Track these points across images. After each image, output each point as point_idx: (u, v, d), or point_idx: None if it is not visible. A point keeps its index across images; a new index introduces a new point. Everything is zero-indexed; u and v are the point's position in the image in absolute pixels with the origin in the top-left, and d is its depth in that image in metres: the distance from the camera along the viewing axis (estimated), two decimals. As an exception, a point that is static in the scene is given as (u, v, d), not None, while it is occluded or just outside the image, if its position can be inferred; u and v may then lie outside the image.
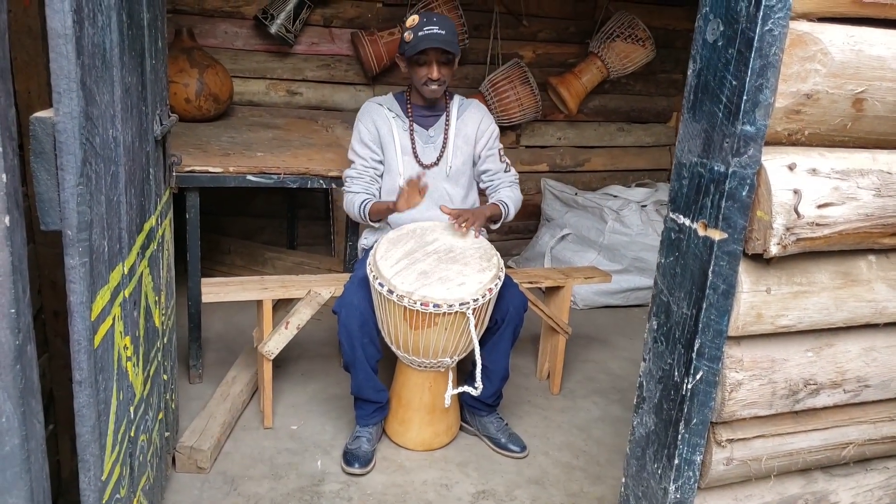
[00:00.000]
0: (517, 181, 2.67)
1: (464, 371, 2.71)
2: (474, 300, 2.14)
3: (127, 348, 1.50)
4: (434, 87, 2.43)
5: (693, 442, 1.41)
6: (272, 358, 2.51)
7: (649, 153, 5.03)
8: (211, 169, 2.66)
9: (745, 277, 1.33)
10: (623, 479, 1.61)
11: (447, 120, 2.58)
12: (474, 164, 2.66)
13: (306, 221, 4.43)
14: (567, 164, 4.82)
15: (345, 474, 2.38)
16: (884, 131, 1.31)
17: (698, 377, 1.36)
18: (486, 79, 4.29)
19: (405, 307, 2.13)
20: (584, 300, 4.00)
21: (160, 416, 1.98)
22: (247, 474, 2.35)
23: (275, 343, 2.49)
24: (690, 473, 1.43)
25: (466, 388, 2.27)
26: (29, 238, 1.71)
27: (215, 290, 2.47)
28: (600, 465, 2.58)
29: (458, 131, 2.58)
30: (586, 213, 4.16)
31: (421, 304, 2.11)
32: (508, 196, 2.58)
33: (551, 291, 3.00)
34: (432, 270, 2.20)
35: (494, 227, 2.59)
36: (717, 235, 1.28)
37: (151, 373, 1.82)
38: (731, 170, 1.24)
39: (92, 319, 1.22)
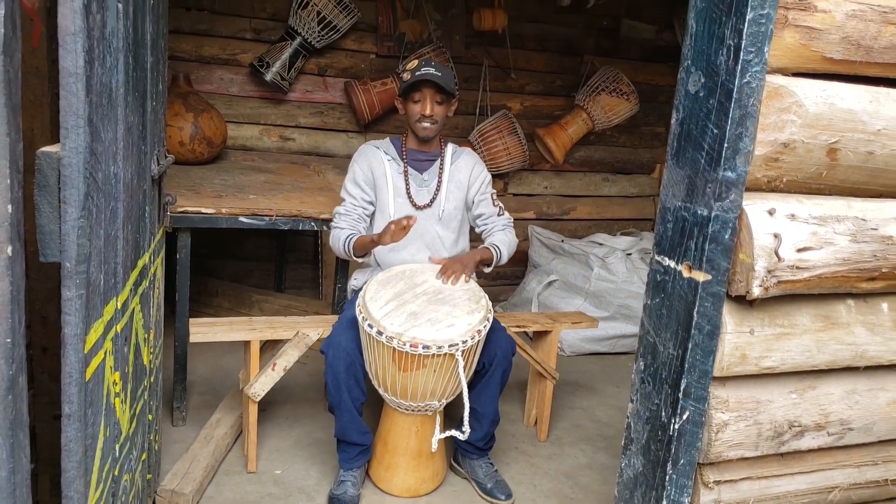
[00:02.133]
0: (511, 224, 2.72)
1: (452, 416, 2.71)
2: (463, 342, 2.15)
3: (116, 384, 1.50)
4: (427, 124, 2.49)
5: (681, 483, 1.42)
6: (258, 400, 2.49)
7: (633, 203, 5.12)
8: (204, 210, 2.68)
9: (729, 319, 1.36)
10: (611, 522, 1.61)
11: (441, 165, 2.64)
12: (468, 209, 2.71)
13: (295, 265, 4.45)
14: (553, 212, 4.89)
15: (329, 520, 2.35)
16: (857, 180, 1.36)
17: (685, 417, 1.38)
18: (475, 129, 4.39)
19: (394, 349, 2.14)
20: (571, 347, 4.02)
21: (143, 456, 1.96)
22: (229, 519, 2.31)
23: (261, 385, 2.49)
24: (678, 515, 1.44)
25: (453, 433, 2.27)
26: (22, 273, 1.72)
27: (203, 330, 2.47)
28: (587, 512, 2.57)
29: (451, 176, 2.64)
30: (573, 259, 4.21)
31: (410, 346, 2.12)
32: (501, 240, 2.63)
33: (539, 336, 3.02)
34: (421, 312, 2.22)
35: (487, 269, 2.63)
36: (701, 277, 1.32)
37: (137, 411, 1.81)
38: (713, 213, 1.29)
39: (85, 352, 1.23)
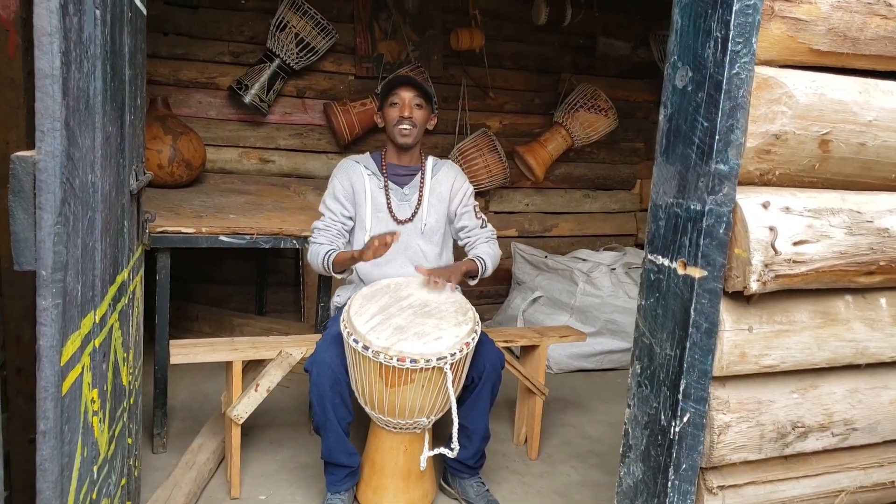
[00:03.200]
0: (494, 237, 2.69)
1: (441, 435, 2.65)
2: (451, 354, 2.11)
3: (94, 402, 1.43)
4: (405, 126, 2.47)
5: (683, 489, 1.38)
6: (241, 423, 2.42)
7: (615, 219, 5.13)
8: (183, 229, 2.63)
9: (727, 316, 1.34)
10: (611, 533, 1.56)
11: (422, 178, 2.61)
12: (450, 221, 2.68)
13: (276, 288, 4.38)
14: (535, 229, 4.88)
15: (317, 544, 2.28)
16: (850, 172, 1.36)
17: (685, 419, 1.35)
18: (455, 147, 4.38)
19: (381, 363, 2.09)
20: (559, 364, 3.98)
21: (122, 482, 1.88)
22: (213, 546, 2.23)
23: (244, 406, 2.42)
24: (681, 522, 1.40)
25: (442, 451, 2.21)
26: (-5, 291, 1.66)
27: (184, 351, 2.40)
28: (581, 529, 2.51)
29: (432, 189, 2.61)
30: (557, 275, 4.19)
31: (397, 360, 2.07)
32: (486, 252, 2.59)
33: (526, 352, 2.98)
34: (408, 325, 2.18)
35: (472, 282, 2.59)
36: (697, 273, 1.29)
37: (116, 433, 1.74)
38: (707, 207, 1.27)
39: (61, 364, 1.17)
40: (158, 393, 2.73)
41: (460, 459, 2.47)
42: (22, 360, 1.72)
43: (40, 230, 1.12)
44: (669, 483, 1.37)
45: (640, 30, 4.70)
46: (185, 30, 3.89)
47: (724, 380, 1.37)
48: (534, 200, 4.89)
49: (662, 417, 1.39)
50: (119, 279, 1.71)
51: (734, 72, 1.21)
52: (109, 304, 1.57)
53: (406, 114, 2.48)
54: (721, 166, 1.25)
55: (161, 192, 3.36)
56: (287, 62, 3.87)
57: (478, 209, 2.71)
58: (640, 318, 1.47)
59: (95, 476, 1.48)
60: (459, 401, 2.37)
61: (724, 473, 1.41)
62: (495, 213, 4.75)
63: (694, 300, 1.31)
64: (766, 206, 1.27)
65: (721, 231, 1.29)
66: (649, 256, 1.43)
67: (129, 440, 1.98)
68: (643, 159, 5.13)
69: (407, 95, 2.48)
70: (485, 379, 2.37)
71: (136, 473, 2.12)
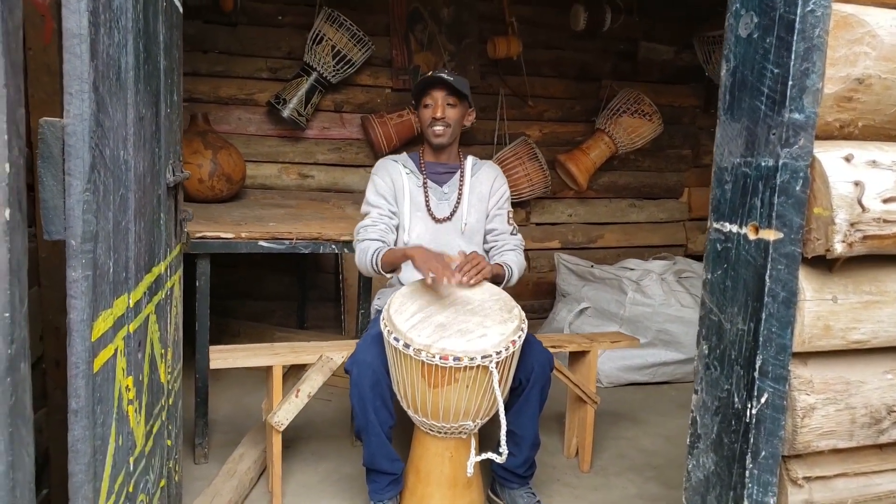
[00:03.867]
0: (522, 247, 2.58)
1: (487, 443, 2.53)
2: (497, 352, 2.00)
3: (129, 390, 1.37)
4: (438, 128, 2.41)
5: (763, 480, 1.25)
6: (282, 429, 2.34)
7: (663, 229, 4.97)
8: (223, 234, 2.59)
9: (807, 285, 1.22)
10: (680, 534, 1.43)
11: (461, 177, 2.54)
12: None
13: (316, 303, 4.34)
14: (579, 240, 4.76)
15: (362, 555, 2.17)
16: (941, 123, 1.23)
17: (763, 400, 1.22)
18: (493, 157, 4.31)
19: (423, 362, 2.00)
20: (609, 377, 3.83)
21: (162, 483, 1.81)
22: (255, 557, 2.14)
23: (284, 413, 2.34)
24: (761, 516, 1.26)
25: (490, 455, 2.08)
26: (34, 281, 1.62)
27: (224, 356, 2.34)
28: (641, 543, 2.35)
29: (472, 189, 2.53)
30: (604, 285, 4.05)
31: (440, 358, 1.98)
32: (513, 260, 2.49)
33: (576, 359, 2.86)
34: (450, 323, 2.08)
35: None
36: (771, 236, 1.18)
37: (154, 430, 1.68)
38: (781, 162, 1.16)
39: (92, 340, 1.11)
40: (199, 402, 2.67)
41: (509, 468, 2.35)
42: (60, 352, 1.68)
43: (69, 197, 1.07)
44: (747, 473, 1.24)
45: (684, 32, 4.59)
46: (223, 47, 3.92)
47: (805, 357, 1.24)
48: (577, 211, 4.78)
49: (736, 400, 1.26)
50: (156, 271, 1.66)
51: (808, 9, 1.10)
52: (145, 293, 1.51)
53: (438, 115, 2.42)
54: (796, 115, 1.14)
55: (202, 206, 3.35)
56: (324, 75, 3.87)
57: (511, 215, 2.61)
58: (706, 294, 1.35)
59: (132, 468, 1.41)
60: (506, 406, 2.25)
61: (811, 463, 1.27)
62: (537, 224, 4.65)
63: (769, 266, 1.19)
64: (848, 159, 1.16)
65: (797, 188, 1.17)
66: (715, 225, 1.32)
67: (169, 442, 1.92)
68: (690, 166, 4.99)
69: (439, 95, 2.43)
70: (533, 381, 2.25)
71: (176, 478, 2.05)
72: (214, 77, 3.93)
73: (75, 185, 1.07)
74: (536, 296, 4.71)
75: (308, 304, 4.29)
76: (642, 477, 2.82)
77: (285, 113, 3.86)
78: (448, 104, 2.43)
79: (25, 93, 1.55)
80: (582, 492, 2.67)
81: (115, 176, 1.23)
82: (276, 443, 2.38)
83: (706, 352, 1.34)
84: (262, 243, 2.65)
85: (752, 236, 1.22)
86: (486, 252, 2.60)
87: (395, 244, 2.51)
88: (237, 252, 2.66)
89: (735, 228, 1.26)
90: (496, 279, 2.43)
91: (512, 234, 2.57)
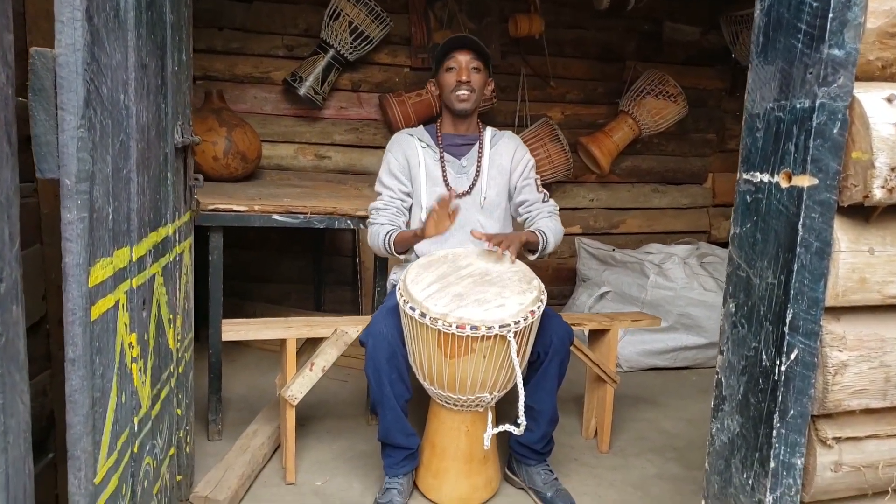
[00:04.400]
0: (557, 212, 2.51)
1: (506, 418, 2.47)
2: (515, 322, 1.94)
3: (133, 347, 1.33)
4: (464, 91, 2.34)
5: (791, 440, 1.18)
6: (296, 403, 2.30)
7: (686, 215, 4.87)
8: (235, 207, 2.56)
9: (842, 235, 1.14)
10: (703, 502, 1.36)
11: (480, 149, 2.47)
12: (510, 197, 2.52)
13: (333, 286, 4.30)
14: (601, 225, 4.67)
15: (375, 531, 2.13)
16: None
17: (793, 357, 1.15)
18: (515, 138, 4.23)
19: (439, 331, 1.94)
20: (629, 362, 3.75)
21: (171, 451, 1.77)
22: (266, 531, 2.10)
23: (298, 387, 2.30)
24: (791, 481, 1.19)
25: (508, 428, 2.03)
26: (36, 238, 1.59)
27: (236, 328, 2.31)
28: (662, 524, 2.28)
29: (491, 161, 2.47)
30: (626, 269, 3.97)
31: (457, 327, 1.92)
32: (547, 226, 2.41)
33: (595, 338, 2.79)
34: (468, 293, 2.02)
35: (532, 257, 2.42)
36: (805, 182, 1.11)
37: (162, 396, 1.64)
38: (818, 102, 1.08)
39: (89, 286, 1.07)
40: (213, 378, 2.64)
41: (527, 444, 2.29)
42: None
43: (62, 133, 1.03)
44: (774, 433, 1.17)
45: (709, 12, 4.47)
46: (239, 24, 3.88)
47: (839, 312, 1.17)
48: (599, 196, 4.69)
49: (764, 357, 1.19)
50: (163, 232, 1.62)
51: (847, -66, 1.03)
52: (150, 251, 1.47)
53: (464, 78, 2.35)
54: (835, 51, 1.07)
55: (216, 185, 3.31)
56: (341, 52, 3.82)
57: (539, 182, 2.54)
58: (733, 250, 1.28)
59: (136, 428, 1.37)
60: (524, 380, 2.20)
61: (841, 423, 1.20)
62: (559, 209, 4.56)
63: (802, 215, 1.12)
64: (891, 100, 1.08)
65: (835, 130, 1.10)
66: (745, 176, 1.25)
67: (179, 411, 1.88)
68: (715, 151, 4.87)
69: (464, 59, 2.35)
70: (552, 354, 2.19)
71: (186, 449, 2.02)
72: (230, 55, 3.90)
73: (69, 121, 1.02)
74: (556, 282, 4.63)
75: (325, 287, 4.25)
76: (662, 458, 2.74)
77: (301, 91, 3.82)
78: (473, 68, 2.36)
79: (21, 22, 1.51)
80: (600, 471, 2.60)
81: (115, 119, 1.18)
82: (290, 417, 2.35)
83: (733, 309, 1.27)
84: (275, 217, 2.61)
85: (784, 184, 1.15)
86: (521, 224, 2.54)
87: (410, 223, 2.46)
88: (250, 225, 2.62)
89: (766, 178, 1.19)
90: (530, 247, 2.36)
91: (544, 201, 2.50)
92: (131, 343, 1.32)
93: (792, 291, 1.13)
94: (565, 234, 4.50)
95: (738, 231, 1.27)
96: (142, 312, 1.40)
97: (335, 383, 3.37)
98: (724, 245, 4.66)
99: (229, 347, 3.75)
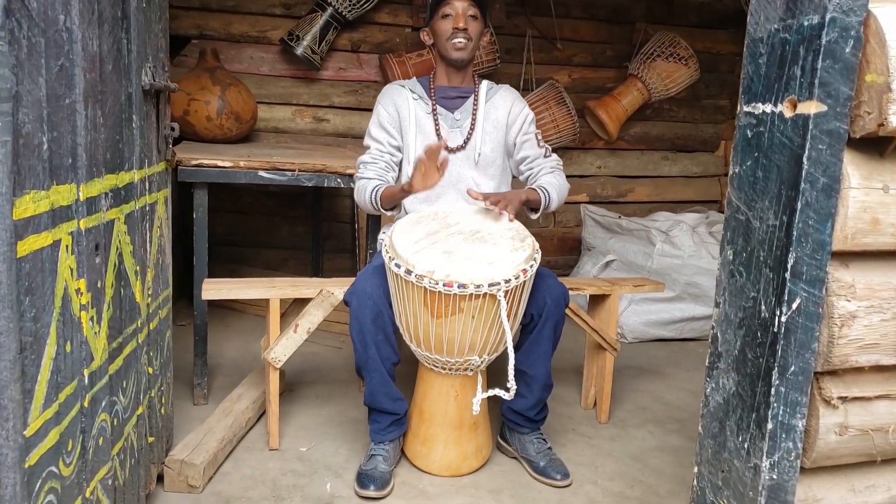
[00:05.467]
0: (560, 167, 2.38)
1: (498, 383, 2.38)
2: (506, 281, 1.84)
3: (81, 294, 1.24)
4: (460, 39, 2.21)
5: (792, 399, 1.07)
6: (279, 365, 2.22)
7: (697, 184, 4.72)
8: (220, 163, 2.45)
9: (853, 170, 1.02)
10: (695, 469, 1.26)
11: (475, 102, 2.35)
12: (509, 154, 2.40)
13: (332, 254, 4.21)
14: (609, 194, 4.54)
15: (357, 497, 2.04)
16: None
17: (795, 307, 1.03)
18: (520, 102, 4.09)
19: (425, 289, 1.84)
20: (634, 332, 3.64)
21: (140, 411, 1.69)
22: (245, 496, 2.02)
23: (282, 349, 2.21)
24: (790, 444, 1.08)
25: (498, 392, 1.93)
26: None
27: (217, 287, 2.22)
28: (660, 495, 2.19)
29: (486, 115, 2.34)
30: (632, 237, 3.85)
31: (444, 285, 1.82)
32: (550, 182, 2.29)
33: (596, 304, 2.67)
34: (457, 250, 1.92)
35: (534, 216, 2.30)
36: (812, 108, 0.98)
37: (125, 351, 1.55)
38: (828, 17, 0.96)
39: (14, 219, 0.97)
40: (198, 340, 2.56)
41: (519, 410, 2.19)
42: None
43: (-22, 44, 0.92)
44: (773, 391, 1.06)
45: (723, -29, 4.30)
46: (235, -20, 3.76)
47: (847, 257, 1.05)
48: (607, 163, 4.55)
49: (763, 308, 1.08)
50: (125, 177, 1.52)
51: None
52: (105, 194, 1.37)
53: (461, 25, 2.21)
54: (846, -44, 0.94)
55: (210, 146, 3.21)
56: (340, 10, 3.69)
57: (540, 137, 2.42)
58: (732, 192, 1.16)
59: (86, 381, 1.28)
60: (517, 344, 2.11)
61: (848, 381, 1.09)
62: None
63: (807, 147, 1.00)
64: (908, 12, 0.95)
65: (847, 50, 0.97)
66: (745, 108, 1.12)
67: (150, 370, 1.80)
68: (728, 118, 4.71)
69: (461, 5, 2.21)
70: (545, 317, 2.08)
71: (161, 410, 1.94)
72: (225, 13, 3.78)
73: (-15, 31, 0.92)
74: (561, 251, 4.52)
75: (324, 255, 4.16)
76: (664, 429, 2.64)
77: (298, 50, 3.70)
78: (470, 15, 2.22)
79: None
80: (598, 441, 2.51)
81: (50, 39, 1.08)
82: (274, 380, 2.27)
83: (730, 257, 1.16)
84: (261, 173, 2.51)
85: (788, 114, 1.03)
86: (524, 182, 2.42)
87: (399, 178, 2.35)
88: (236, 182, 2.52)
89: (769, 108, 1.07)
90: (532, 205, 2.25)
91: (546, 156, 2.37)
92: (79, 289, 1.23)
93: (795, 234, 1.02)
94: (571, 203, 4.42)
95: (737, 170, 1.15)
96: (93, 258, 1.30)
97: (329, 350, 3.29)
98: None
99: (224, 312, 3.68)
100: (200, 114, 3.28)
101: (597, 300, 2.65)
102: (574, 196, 4.45)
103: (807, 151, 1.00)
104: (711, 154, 4.75)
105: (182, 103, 3.23)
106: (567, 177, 2.29)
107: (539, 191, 2.24)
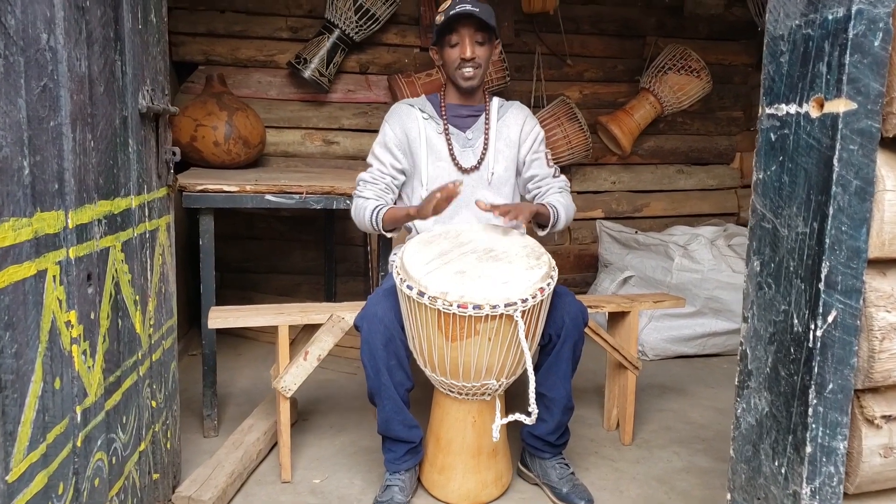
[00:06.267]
0: (568, 188, 2.32)
1: (515, 408, 2.29)
2: (523, 300, 1.76)
3: (72, 326, 1.18)
4: (468, 70, 2.15)
5: (831, 419, 0.98)
6: (289, 395, 2.15)
7: (714, 197, 4.63)
8: (226, 188, 2.41)
9: (888, 172, 0.94)
10: (728, 496, 1.17)
11: (487, 121, 2.29)
12: (518, 173, 2.34)
13: (345, 277, 4.15)
14: (624, 209, 4.45)
15: (373, 531, 1.96)
16: None
17: (830, 320, 0.95)
18: (530, 118, 4.04)
19: (439, 311, 1.77)
20: (655, 350, 3.54)
21: (142, 447, 1.63)
22: (255, 532, 1.95)
23: (292, 377, 2.14)
24: (831, 469, 0.99)
25: (519, 417, 1.84)
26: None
27: (223, 315, 2.16)
28: (689, 521, 2.08)
29: (499, 133, 2.28)
30: (649, 252, 3.76)
31: (458, 306, 1.74)
32: (558, 201, 2.23)
33: (615, 321, 2.59)
34: (471, 269, 1.85)
35: (542, 233, 2.23)
36: (841, 107, 0.91)
37: (125, 386, 1.49)
38: (855, 8, 0.89)
39: (-9, 247, 0.92)
40: (207, 370, 2.50)
41: (540, 435, 2.11)
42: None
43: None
44: (810, 412, 0.97)
45: (734, -19, 4.24)
46: (241, 5, 3.74)
47: (885, 264, 0.97)
48: (621, 178, 4.47)
49: (795, 322, 1.00)
50: (122, 204, 1.47)
51: None
52: (98, 221, 1.32)
53: (468, 55, 2.15)
54: (873, -60, 0.87)
55: (217, 172, 3.18)
56: (347, 32, 3.66)
57: (549, 157, 2.35)
58: (756, 199, 1.09)
59: (79, 419, 1.22)
60: (535, 366, 2.02)
61: (891, 399, 1.00)
62: (578, 192, 4.35)
63: (837, 148, 0.92)
64: (943, -3, 0.88)
65: (876, 43, 0.90)
66: (767, 111, 1.05)
67: (153, 403, 1.74)
68: (742, 129, 4.62)
69: (466, 32, 2.14)
70: (564, 337, 2.00)
71: (167, 445, 1.87)
72: (232, 38, 3.76)
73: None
74: (578, 268, 4.43)
75: (337, 278, 4.10)
76: (690, 450, 2.54)
77: (306, 73, 3.67)
78: (477, 42, 2.17)
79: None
80: (622, 465, 2.41)
81: (31, 58, 1.03)
82: (285, 410, 2.20)
83: (758, 268, 1.08)
84: (269, 197, 2.46)
85: (815, 113, 0.96)
86: (531, 201, 2.36)
87: (410, 199, 2.29)
88: (242, 207, 2.48)
89: (793, 108, 1.00)
90: (540, 220, 2.19)
91: (554, 176, 2.31)
92: (69, 321, 1.17)
93: (827, 241, 0.94)
94: (586, 219, 4.34)
95: (761, 176, 1.07)
96: (85, 288, 1.25)
97: (343, 376, 3.22)
98: (756, 228, 4.40)
99: (235, 340, 3.62)
100: (208, 139, 3.26)
101: (616, 318, 2.57)
102: (589, 212, 4.37)
103: (837, 153, 0.92)
104: (727, 166, 4.66)
105: (189, 129, 3.20)
106: (581, 193, 2.24)
107: (548, 207, 2.18)
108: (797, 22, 0.99)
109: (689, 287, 3.53)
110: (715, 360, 3.57)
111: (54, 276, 1.11)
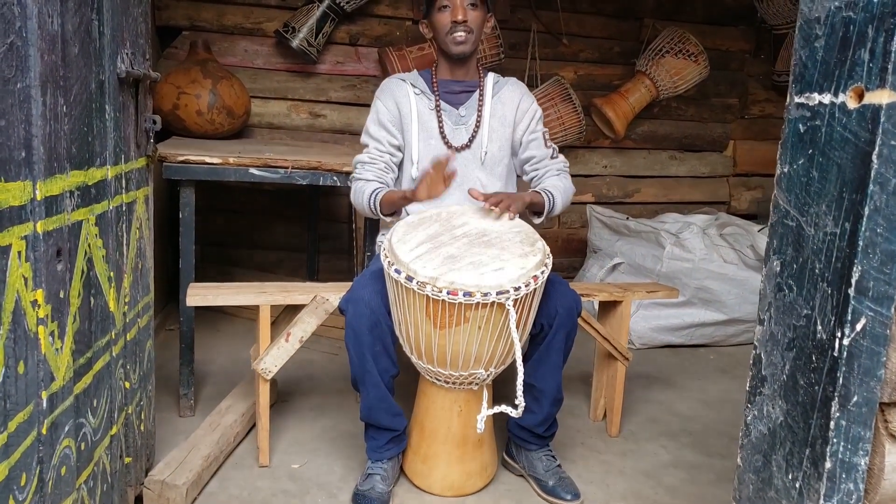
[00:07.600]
0: (567, 169, 2.24)
1: (504, 398, 2.23)
2: (515, 288, 1.69)
3: (38, 306, 1.09)
4: (460, 33, 2.06)
5: (854, 434, 0.92)
6: (269, 377, 2.07)
7: (706, 184, 4.58)
8: (208, 159, 2.31)
9: (928, 170, 0.87)
10: (733, 507, 1.11)
11: (481, 97, 2.20)
12: (514, 153, 2.26)
13: (328, 255, 4.06)
14: (615, 194, 4.39)
15: (353, 521, 1.90)
16: None
17: (859, 328, 0.89)
18: (524, 98, 3.94)
19: (428, 297, 1.69)
20: (642, 338, 3.50)
21: (113, 431, 1.54)
22: (231, 519, 1.88)
23: (272, 359, 2.06)
24: (851, 486, 0.94)
25: (505, 409, 1.78)
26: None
27: (202, 293, 2.07)
28: (676, 517, 2.05)
29: (493, 111, 2.20)
30: (640, 239, 3.70)
31: (448, 293, 1.67)
32: (555, 185, 2.15)
33: (606, 311, 2.53)
34: (462, 255, 1.77)
35: (538, 220, 2.16)
36: (885, 98, 0.84)
37: (96, 367, 1.40)
38: (906, -12, 0.81)
39: (-54, 221, 0.82)
40: (184, 348, 2.41)
41: (527, 426, 2.05)
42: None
43: None
44: (832, 424, 0.91)
45: (735, -35, 4.15)
46: (229, -31, 3.60)
47: (921, 271, 0.91)
48: (613, 162, 4.40)
49: (819, 328, 0.93)
50: (96, 174, 1.38)
51: None
52: (70, 193, 1.23)
53: (460, 17, 2.06)
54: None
55: (200, 141, 3.07)
56: (338, 2, 3.53)
57: (547, 136, 2.27)
58: (779, 194, 1.02)
59: (45, 405, 1.13)
60: (525, 356, 1.96)
61: (918, 414, 0.95)
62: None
63: (878, 142, 0.85)
64: None
65: (925, 29, 0.83)
66: (797, 100, 0.98)
67: (127, 384, 1.65)
68: (737, 117, 4.57)
69: None
70: (556, 327, 1.93)
71: (140, 427, 1.79)
72: (219, 3, 3.62)
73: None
74: (566, 253, 4.38)
75: (320, 256, 4.01)
76: (677, 443, 2.50)
77: (294, 43, 3.55)
78: (469, 4, 2.07)
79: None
80: (609, 457, 2.36)
81: (-3, 13, 0.93)
82: (264, 393, 2.12)
83: (778, 268, 1.01)
84: (252, 171, 2.36)
85: (852, 104, 0.88)
86: (528, 183, 2.28)
87: (399, 180, 2.21)
88: (225, 180, 2.38)
89: (828, 98, 0.92)
90: (535, 208, 2.11)
91: (553, 157, 2.23)
92: (36, 301, 1.08)
93: (860, 243, 0.87)
94: (576, 203, 4.27)
95: (786, 170, 1.00)
96: (54, 265, 1.16)
97: (324, 357, 3.15)
98: (745, 217, 4.39)
99: (214, 316, 3.53)
100: (190, 108, 3.13)
101: (607, 307, 2.51)
102: (579, 196, 4.30)
103: (877, 148, 0.85)
104: (720, 154, 4.61)
105: (171, 97, 3.08)
106: (572, 176, 2.15)
107: (544, 194, 2.10)
108: (837, 4, 0.91)
109: (679, 276, 3.48)
110: (702, 350, 3.54)
111: (19, 252, 1.02)
